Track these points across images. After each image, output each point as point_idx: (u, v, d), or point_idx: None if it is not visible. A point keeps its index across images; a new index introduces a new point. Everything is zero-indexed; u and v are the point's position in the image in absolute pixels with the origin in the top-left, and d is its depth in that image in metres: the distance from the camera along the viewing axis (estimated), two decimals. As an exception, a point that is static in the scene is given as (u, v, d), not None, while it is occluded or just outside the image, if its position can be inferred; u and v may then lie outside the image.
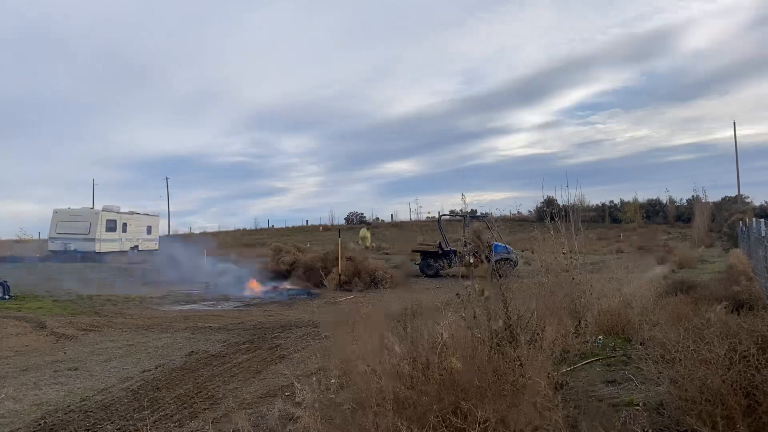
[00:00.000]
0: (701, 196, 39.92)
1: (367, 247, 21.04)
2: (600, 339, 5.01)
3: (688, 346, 3.08)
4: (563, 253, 5.31)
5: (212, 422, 3.92)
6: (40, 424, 4.10)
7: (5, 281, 12.15)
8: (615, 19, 69.56)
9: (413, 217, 53.35)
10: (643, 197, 46.22)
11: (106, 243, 27.45)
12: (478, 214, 17.24)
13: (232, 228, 53.07)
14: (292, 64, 76.83)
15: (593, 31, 70.16)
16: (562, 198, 6.15)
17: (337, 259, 14.73)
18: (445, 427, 2.51)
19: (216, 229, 52.35)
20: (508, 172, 73.33)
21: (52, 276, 17.60)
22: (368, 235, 22.04)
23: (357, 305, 4.94)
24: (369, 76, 76.84)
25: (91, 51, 63.76)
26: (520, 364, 3.17)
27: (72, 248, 26.15)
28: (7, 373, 5.68)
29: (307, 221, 53.59)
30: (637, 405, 3.25)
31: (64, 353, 6.67)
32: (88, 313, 9.91)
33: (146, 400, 4.56)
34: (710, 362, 2.80)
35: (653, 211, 45.11)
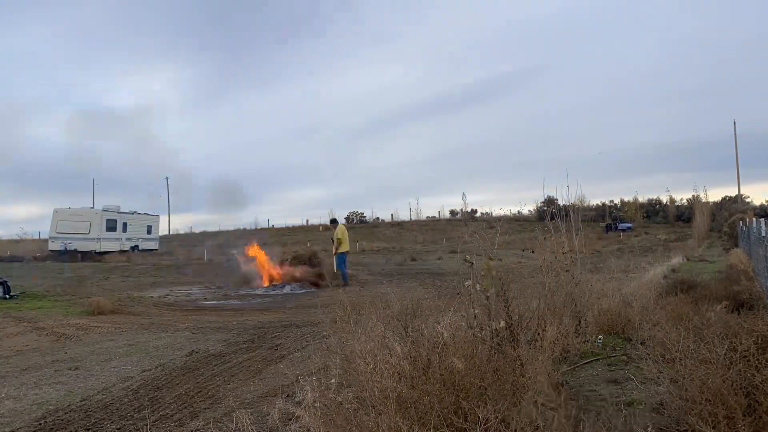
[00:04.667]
0: (701, 195, 40.00)
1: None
2: (600, 338, 5.01)
3: (689, 346, 3.08)
4: (563, 252, 5.31)
5: (213, 422, 3.92)
6: (40, 424, 4.10)
7: (5, 281, 12.16)
8: None
9: (413, 216, 53.40)
10: (643, 197, 46.32)
11: (107, 243, 27.47)
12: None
13: (232, 227, 53.03)
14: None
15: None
16: (563, 197, 6.15)
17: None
18: (447, 426, 2.51)
19: (216, 229, 52.28)
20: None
21: (53, 276, 17.61)
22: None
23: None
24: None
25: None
26: (521, 364, 3.17)
27: (72, 248, 26.16)
28: (8, 373, 5.69)
29: (307, 221, 53.57)
30: (644, 404, 3.26)
31: (65, 353, 6.67)
32: (89, 312, 9.90)
33: (146, 399, 4.57)
34: (710, 362, 2.81)
35: (653, 211, 45.15)
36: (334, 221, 16.32)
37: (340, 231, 14.89)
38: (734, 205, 34.75)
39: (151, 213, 33.26)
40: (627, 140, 73.35)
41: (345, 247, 14.82)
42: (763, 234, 7.57)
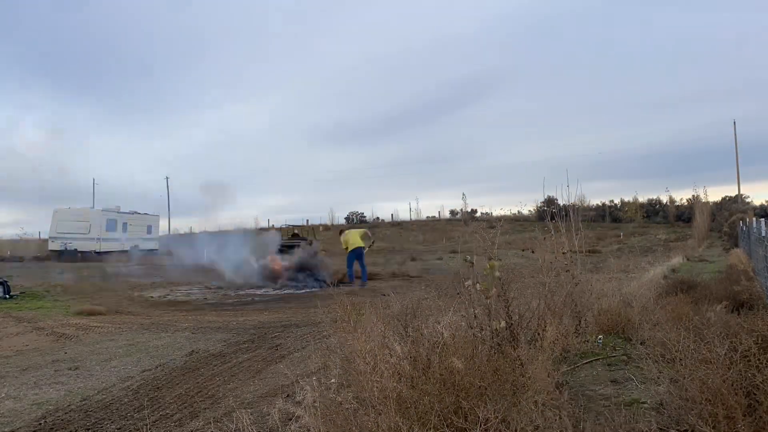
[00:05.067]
0: (701, 195, 39.98)
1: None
2: (600, 338, 5.01)
3: (689, 346, 3.08)
4: (563, 252, 5.31)
5: (213, 422, 3.92)
6: (40, 424, 4.10)
7: (5, 281, 12.16)
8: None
9: (413, 216, 53.42)
10: (643, 197, 46.30)
11: (107, 243, 27.46)
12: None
13: (232, 228, 52.83)
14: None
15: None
16: (563, 197, 6.17)
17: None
18: (447, 426, 2.51)
19: (216, 229, 52.14)
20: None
21: (53, 276, 17.61)
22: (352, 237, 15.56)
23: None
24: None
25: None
26: (521, 364, 3.17)
27: (72, 248, 26.16)
28: (7, 373, 5.69)
29: (307, 221, 53.49)
30: (644, 403, 3.26)
31: (65, 352, 6.67)
32: (88, 312, 9.91)
33: (146, 399, 4.57)
34: (710, 362, 2.81)
35: (653, 211, 45.15)
36: (341, 232, 17.06)
37: (344, 237, 15.46)
38: (734, 205, 34.73)
39: (150, 213, 33.24)
40: (627, 140, 73.24)
41: (356, 243, 15.07)
42: (763, 234, 7.57)
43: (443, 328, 3.79)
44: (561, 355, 4.53)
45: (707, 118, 69.48)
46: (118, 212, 28.98)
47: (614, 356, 4.64)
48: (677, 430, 2.79)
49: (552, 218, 5.60)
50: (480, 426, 2.45)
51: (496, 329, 3.83)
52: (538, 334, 4.39)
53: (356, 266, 15.04)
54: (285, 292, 14.13)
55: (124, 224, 29.25)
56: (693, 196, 41.71)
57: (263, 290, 14.44)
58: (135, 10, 67.79)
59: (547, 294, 4.81)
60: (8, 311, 10.07)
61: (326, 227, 48.22)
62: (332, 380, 4.08)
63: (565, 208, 6.03)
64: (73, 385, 5.20)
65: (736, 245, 18.00)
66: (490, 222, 33.70)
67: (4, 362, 6.20)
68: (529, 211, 43.82)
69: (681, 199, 44.76)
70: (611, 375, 4.14)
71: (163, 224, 39.37)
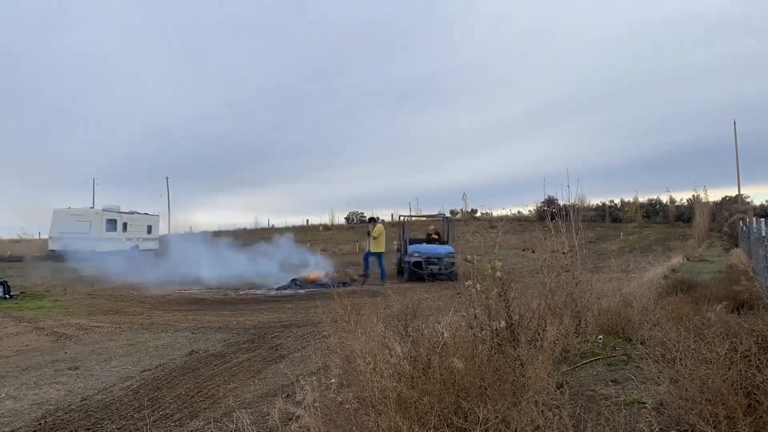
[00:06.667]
0: (701, 195, 39.95)
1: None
2: (600, 338, 5.01)
3: (689, 346, 3.08)
4: (563, 252, 5.31)
5: (213, 422, 3.92)
6: (40, 424, 4.10)
7: (5, 281, 12.16)
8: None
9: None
10: (643, 197, 46.29)
11: (107, 243, 27.46)
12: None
13: (232, 228, 52.88)
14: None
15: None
16: (563, 196, 6.19)
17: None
18: (447, 426, 2.51)
19: (217, 228, 52.11)
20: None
21: (53, 275, 17.63)
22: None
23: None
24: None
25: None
26: (521, 364, 3.17)
27: (72, 248, 26.15)
28: (8, 372, 5.69)
29: (307, 221, 53.49)
30: (644, 404, 3.26)
31: (65, 352, 6.67)
32: (89, 312, 9.91)
33: (146, 399, 4.57)
34: (711, 362, 2.81)
35: (653, 211, 45.15)
36: (372, 219, 17.16)
37: (378, 230, 15.33)
38: (734, 205, 34.70)
39: (150, 213, 33.22)
40: (627, 140, 73.27)
41: (380, 248, 15.29)
42: (763, 234, 7.57)
43: (443, 328, 3.79)
44: (561, 355, 4.53)
45: (709, 117, 69.47)
46: (118, 212, 28.96)
47: (614, 356, 4.64)
48: (677, 430, 2.79)
49: (552, 218, 5.60)
50: (480, 426, 2.45)
51: (497, 329, 3.83)
52: (538, 334, 4.39)
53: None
54: (285, 292, 14.14)
55: (124, 224, 29.25)
56: (693, 196, 41.66)
57: (263, 290, 14.45)
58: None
59: (548, 294, 4.80)
60: (8, 311, 10.07)
61: (326, 227, 48.22)
62: (332, 380, 4.07)
63: (565, 208, 6.03)
64: (73, 385, 5.20)
65: (736, 245, 17.99)
66: (491, 222, 33.68)
67: (4, 362, 6.20)
68: (530, 211, 43.77)
69: (681, 199, 44.74)
70: (611, 375, 4.13)
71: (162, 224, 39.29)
